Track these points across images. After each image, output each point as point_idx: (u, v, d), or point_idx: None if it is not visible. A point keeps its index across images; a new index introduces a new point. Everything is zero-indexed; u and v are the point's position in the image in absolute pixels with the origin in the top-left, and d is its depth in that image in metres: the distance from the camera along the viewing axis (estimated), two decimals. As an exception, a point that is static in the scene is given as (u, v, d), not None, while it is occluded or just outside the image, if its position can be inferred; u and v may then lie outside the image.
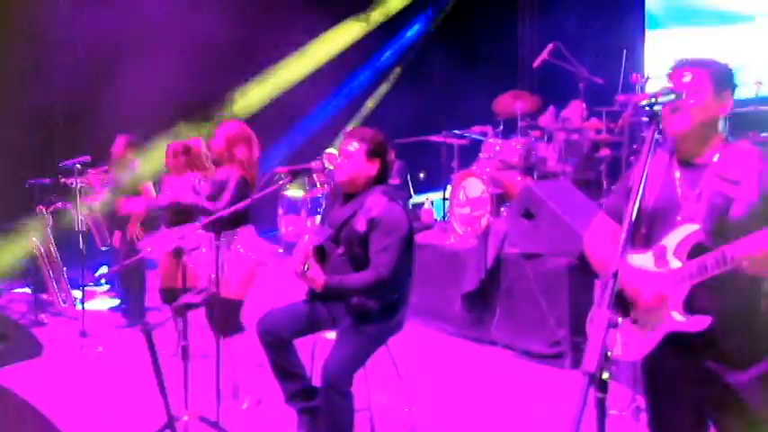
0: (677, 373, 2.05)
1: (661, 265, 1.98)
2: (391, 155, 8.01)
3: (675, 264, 1.95)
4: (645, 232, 2.06)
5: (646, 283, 1.98)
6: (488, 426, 3.57)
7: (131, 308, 5.65)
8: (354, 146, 3.07)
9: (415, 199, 8.24)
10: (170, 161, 4.77)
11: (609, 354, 1.55)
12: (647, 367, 2.15)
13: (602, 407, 1.57)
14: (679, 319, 1.93)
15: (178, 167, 4.68)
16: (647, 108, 1.96)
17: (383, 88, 10.52)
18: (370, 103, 10.47)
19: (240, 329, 3.82)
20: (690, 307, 1.93)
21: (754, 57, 6.55)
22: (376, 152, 3.08)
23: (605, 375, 1.53)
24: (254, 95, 8.96)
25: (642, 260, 2.03)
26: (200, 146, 4.79)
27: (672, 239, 1.97)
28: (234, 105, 8.81)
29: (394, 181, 7.82)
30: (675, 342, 1.96)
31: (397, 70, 10.60)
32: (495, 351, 4.81)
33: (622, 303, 2.04)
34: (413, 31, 10.65)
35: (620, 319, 2.02)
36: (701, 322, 1.90)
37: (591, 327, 2.11)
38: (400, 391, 3.42)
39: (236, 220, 3.70)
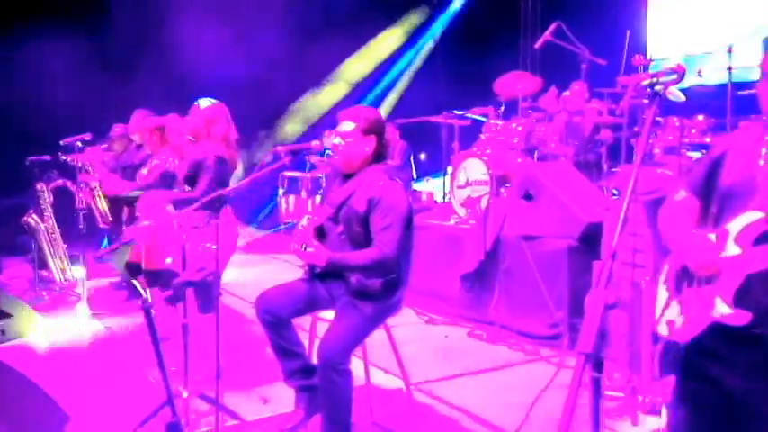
0: (720, 365, 1.97)
1: (721, 250, 1.90)
2: (396, 135, 8.02)
3: (734, 250, 1.87)
4: (715, 211, 1.96)
5: (706, 254, 1.90)
6: (486, 405, 3.59)
7: (131, 285, 5.66)
8: (348, 126, 3.06)
9: (417, 185, 8.23)
10: (146, 138, 4.76)
11: (606, 333, 1.54)
12: (691, 352, 2.07)
13: (597, 386, 1.58)
14: (724, 310, 1.87)
15: (153, 144, 4.67)
16: (648, 88, 1.95)
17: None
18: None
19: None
20: (740, 299, 1.85)
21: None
22: (371, 130, 3.07)
23: (600, 353, 1.53)
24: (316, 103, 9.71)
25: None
26: (176, 123, 4.73)
27: (735, 225, 1.88)
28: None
29: (395, 162, 7.81)
30: (723, 333, 1.90)
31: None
32: (493, 331, 4.82)
33: (677, 282, 2.00)
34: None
35: (673, 301, 2.01)
36: (742, 317, 1.85)
37: (587, 307, 2.09)
38: (398, 370, 3.44)
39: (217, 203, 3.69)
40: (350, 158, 3.10)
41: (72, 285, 5.97)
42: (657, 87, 1.94)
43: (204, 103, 3.95)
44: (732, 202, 1.91)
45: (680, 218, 2.07)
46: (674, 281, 2.06)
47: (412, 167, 8.06)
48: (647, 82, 1.97)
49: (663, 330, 2.05)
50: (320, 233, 3.10)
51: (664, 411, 3.22)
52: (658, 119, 4.77)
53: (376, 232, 2.97)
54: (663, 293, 2.09)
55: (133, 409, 3.29)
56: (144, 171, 4.52)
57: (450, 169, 6.16)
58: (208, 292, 3.63)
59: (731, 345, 1.93)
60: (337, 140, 3.09)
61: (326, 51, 9.19)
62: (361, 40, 10.06)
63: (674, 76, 1.94)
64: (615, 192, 5.30)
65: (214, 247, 3.43)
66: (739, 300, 1.85)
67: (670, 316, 2.03)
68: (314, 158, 8.11)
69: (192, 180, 3.77)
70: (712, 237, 1.93)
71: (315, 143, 3.32)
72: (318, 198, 8.02)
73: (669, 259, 2.11)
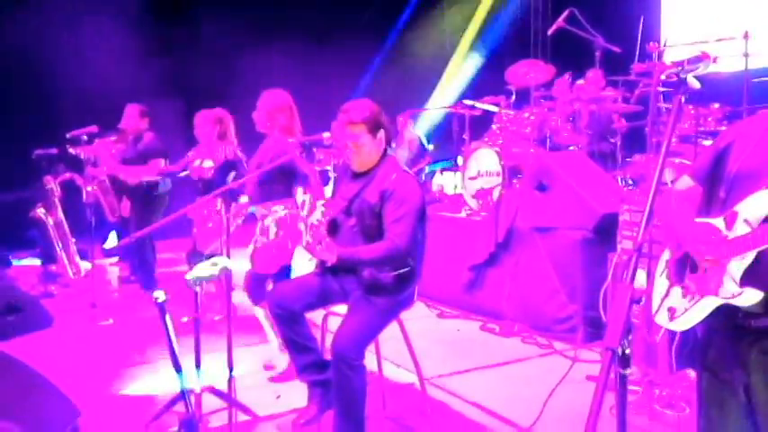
0: (728, 354, 1.96)
1: (729, 231, 1.88)
2: (410, 126, 7.96)
3: (743, 229, 1.84)
4: (723, 196, 1.94)
5: (711, 241, 1.89)
6: (500, 399, 3.56)
7: (144, 278, 5.67)
8: (357, 130, 2.99)
9: (429, 169, 8.16)
10: (200, 130, 4.72)
11: (632, 324, 1.49)
12: (701, 344, 2.07)
13: (623, 383, 1.54)
14: (733, 290, 1.83)
15: (208, 136, 4.64)
16: (673, 77, 1.88)
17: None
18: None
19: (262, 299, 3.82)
20: (750, 278, 1.82)
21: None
22: (376, 125, 3.02)
23: (626, 348, 1.49)
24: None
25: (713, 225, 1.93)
26: (229, 117, 4.75)
27: (744, 206, 1.86)
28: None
29: (408, 150, 7.75)
30: (730, 322, 1.88)
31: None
32: (506, 324, 4.78)
33: (678, 270, 1.97)
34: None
35: (674, 288, 1.98)
36: (752, 296, 1.81)
37: (613, 302, 2.05)
38: (411, 364, 3.40)
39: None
40: (366, 160, 3.06)
41: (81, 280, 5.96)
42: (683, 76, 1.86)
43: (267, 95, 3.92)
44: (741, 187, 1.89)
45: (683, 206, 2.05)
46: (674, 269, 2.03)
47: (424, 158, 8.00)
48: (672, 71, 1.89)
49: (662, 319, 2.02)
50: (333, 226, 3.06)
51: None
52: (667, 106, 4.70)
53: (388, 224, 2.94)
54: (662, 283, 2.07)
55: (145, 404, 3.27)
56: (207, 163, 4.49)
57: (460, 160, 6.09)
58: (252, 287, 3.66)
59: (742, 342, 1.90)
60: (351, 148, 3.03)
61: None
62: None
63: (700, 65, 1.87)
64: (630, 182, 5.23)
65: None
66: (749, 279, 1.82)
67: (671, 303, 1.99)
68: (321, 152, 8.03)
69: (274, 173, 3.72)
70: (720, 221, 1.90)
71: (326, 135, 3.26)
72: (326, 190, 7.97)
73: (668, 249, 2.07)
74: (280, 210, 3.73)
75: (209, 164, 4.45)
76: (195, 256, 4.44)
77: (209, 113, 4.73)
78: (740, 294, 1.82)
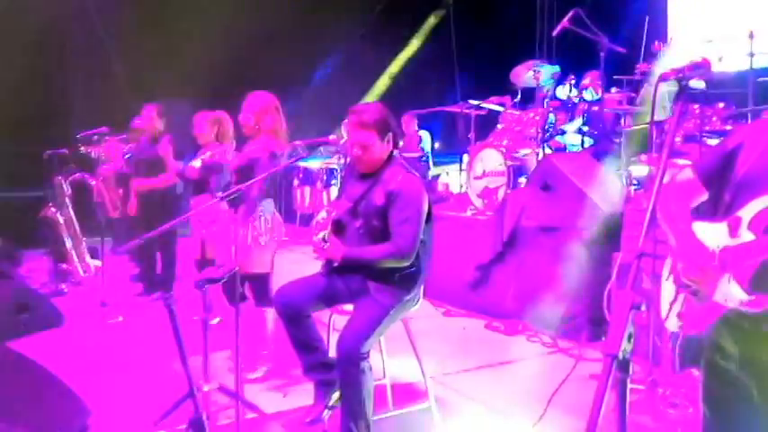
0: (734, 356, 1.95)
1: (734, 237, 1.88)
2: (414, 125, 7.99)
3: (748, 236, 1.84)
4: (728, 201, 1.94)
5: (703, 255, 1.90)
6: (505, 398, 3.59)
7: (148, 277, 5.71)
8: (365, 134, 3.02)
9: (434, 170, 8.21)
10: (198, 130, 4.74)
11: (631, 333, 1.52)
12: (710, 352, 2.05)
13: (624, 387, 1.56)
14: (741, 297, 1.84)
15: (206, 137, 4.67)
16: (674, 83, 1.90)
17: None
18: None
19: (270, 302, 3.86)
20: (756, 284, 1.82)
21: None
22: (385, 129, 3.04)
23: (627, 355, 1.51)
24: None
25: (715, 229, 1.94)
26: (228, 119, 4.77)
27: (748, 211, 1.85)
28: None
29: (415, 151, 7.78)
30: (737, 325, 1.88)
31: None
32: (510, 323, 4.81)
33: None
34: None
35: (681, 294, 1.99)
36: (761, 302, 1.81)
37: (614, 308, 2.06)
38: (418, 362, 3.43)
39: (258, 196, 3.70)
40: (374, 163, 3.08)
41: (91, 278, 6.02)
42: (683, 83, 1.88)
43: (253, 97, 3.92)
44: (746, 191, 1.89)
45: (680, 203, 2.05)
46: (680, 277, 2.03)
47: (429, 158, 8.04)
48: (671, 79, 1.91)
49: (672, 326, 2.03)
50: (339, 227, 3.09)
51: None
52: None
53: (394, 226, 2.97)
54: (669, 288, 2.07)
55: (154, 403, 3.31)
56: (195, 163, 4.51)
57: (466, 159, 6.12)
58: (255, 289, 3.70)
59: (747, 344, 1.91)
60: (357, 149, 3.06)
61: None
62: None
63: (701, 71, 1.89)
64: (635, 182, 5.24)
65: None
66: (756, 285, 1.82)
67: (679, 310, 2.00)
68: (328, 150, 8.08)
69: (242, 173, 3.75)
70: (724, 226, 1.90)
71: (332, 137, 3.31)
72: (333, 189, 8.03)
73: (674, 258, 2.09)
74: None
75: (197, 164, 4.47)
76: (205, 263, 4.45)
77: (208, 114, 4.76)
78: (748, 301, 1.82)
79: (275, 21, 8.55)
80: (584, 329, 4.44)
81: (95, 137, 5.24)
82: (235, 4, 8.27)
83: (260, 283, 3.87)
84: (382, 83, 10.61)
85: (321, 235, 3.12)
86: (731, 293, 1.84)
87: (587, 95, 5.83)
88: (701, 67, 1.92)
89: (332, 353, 3.18)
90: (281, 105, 3.92)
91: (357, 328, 2.95)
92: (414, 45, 10.75)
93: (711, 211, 2.01)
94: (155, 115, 5.60)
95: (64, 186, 6.10)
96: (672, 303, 2.04)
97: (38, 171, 6.22)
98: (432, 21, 10.74)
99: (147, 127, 5.61)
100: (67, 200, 6.13)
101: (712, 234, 1.93)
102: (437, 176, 8.02)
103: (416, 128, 8.09)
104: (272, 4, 8.37)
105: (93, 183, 5.53)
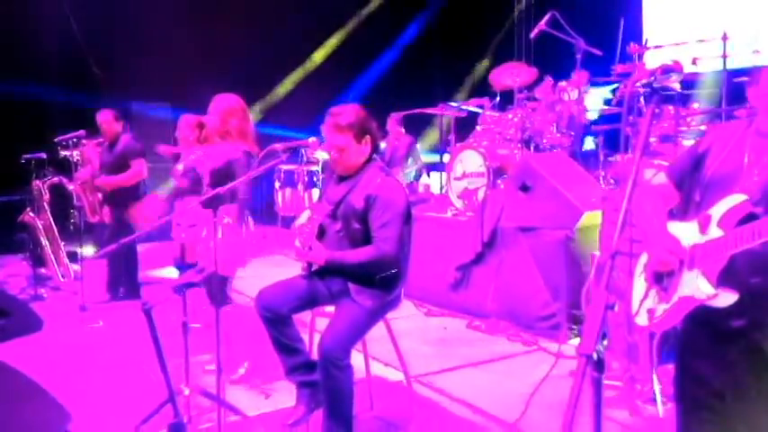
0: (705, 353, 2.02)
1: (704, 234, 1.94)
2: (399, 128, 7.98)
3: (717, 233, 1.90)
4: (698, 200, 2.01)
5: (676, 251, 1.95)
6: (486, 396, 3.62)
7: (119, 282, 5.67)
8: (342, 137, 3.03)
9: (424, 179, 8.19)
10: (182, 133, 4.71)
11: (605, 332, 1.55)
12: (684, 352, 2.12)
13: (598, 386, 1.60)
14: (708, 292, 1.89)
15: (187, 141, 4.64)
16: (645, 87, 1.95)
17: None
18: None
19: (226, 302, 3.85)
20: (725, 280, 1.88)
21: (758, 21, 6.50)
22: (363, 131, 3.05)
23: (600, 353, 1.55)
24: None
25: (686, 228, 1.99)
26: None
27: (718, 209, 1.92)
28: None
29: (400, 155, 7.77)
30: (707, 322, 1.93)
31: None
32: (491, 322, 4.85)
33: (656, 273, 2.02)
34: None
35: (652, 290, 2.04)
36: (728, 298, 1.87)
37: (588, 307, 2.11)
38: (398, 363, 3.46)
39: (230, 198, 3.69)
40: (351, 165, 3.10)
41: (70, 283, 5.97)
42: (655, 85, 1.93)
43: (219, 99, 3.92)
44: (715, 191, 1.96)
45: (654, 204, 2.11)
46: (652, 272, 2.08)
47: (418, 163, 8.01)
48: (643, 81, 1.96)
49: (642, 321, 2.08)
50: (319, 231, 3.10)
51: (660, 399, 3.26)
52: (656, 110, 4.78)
53: (375, 229, 2.98)
54: (640, 284, 2.12)
55: (135, 407, 3.30)
56: (180, 167, 4.49)
57: (446, 159, 6.16)
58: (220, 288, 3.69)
59: (718, 343, 1.97)
60: (334, 152, 3.07)
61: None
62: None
63: (673, 75, 1.94)
64: (612, 181, 5.31)
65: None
66: (724, 281, 1.89)
67: (649, 305, 2.05)
68: (310, 153, 8.05)
69: (218, 175, 3.74)
70: (695, 224, 1.96)
71: (311, 140, 3.31)
72: (315, 191, 8.02)
73: (646, 252, 2.14)
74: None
75: (180, 167, 4.45)
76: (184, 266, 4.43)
77: (191, 118, 4.73)
78: (716, 296, 1.89)
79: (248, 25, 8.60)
80: (564, 328, 4.50)
81: (73, 140, 5.20)
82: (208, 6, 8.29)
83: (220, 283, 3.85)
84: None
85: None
86: (700, 288, 1.90)
87: (565, 96, 5.89)
88: (672, 71, 1.97)
89: (313, 354, 3.19)
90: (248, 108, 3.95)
91: (338, 329, 2.97)
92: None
93: (683, 212, 2.06)
94: (111, 119, 5.61)
95: (42, 191, 6.04)
96: (642, 300, 2.09)
97: (15, 175, 6.16)
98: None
99: (108, 131, 5.61)
100: (46, 204, 6.08)
101: (684, 233, 1.99)
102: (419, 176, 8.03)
103: (402, 129, 8.09)
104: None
105: (72, 187, 5.48)
